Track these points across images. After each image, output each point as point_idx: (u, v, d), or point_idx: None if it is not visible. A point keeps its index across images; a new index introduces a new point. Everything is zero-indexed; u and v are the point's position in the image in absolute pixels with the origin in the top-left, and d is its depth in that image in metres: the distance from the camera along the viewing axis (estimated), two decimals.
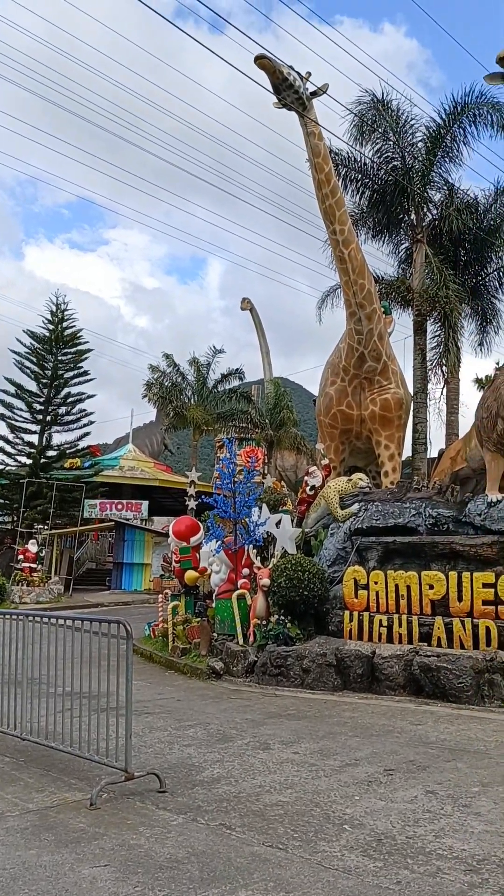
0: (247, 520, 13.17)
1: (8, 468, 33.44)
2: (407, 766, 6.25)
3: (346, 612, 11.09)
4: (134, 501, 35.35)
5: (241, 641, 11.85)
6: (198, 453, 36.21)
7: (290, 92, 11.98)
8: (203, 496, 14.69)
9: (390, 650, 9.97)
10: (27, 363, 33.68)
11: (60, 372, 34.15)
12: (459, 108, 20.05)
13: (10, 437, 33.67)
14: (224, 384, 34.30)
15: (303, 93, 12.18)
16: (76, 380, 34.55)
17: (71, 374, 34.46)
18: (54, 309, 34.62)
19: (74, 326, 34.87)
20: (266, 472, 28.65)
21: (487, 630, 9.64)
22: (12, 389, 33.21)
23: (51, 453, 33.99)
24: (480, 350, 24.28)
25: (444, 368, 22.68)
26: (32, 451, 33.34)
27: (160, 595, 16.55)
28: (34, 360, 33.75)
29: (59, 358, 34.22)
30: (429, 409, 21.91)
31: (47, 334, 34.17)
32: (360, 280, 13.74)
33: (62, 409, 34.45)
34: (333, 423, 15.14)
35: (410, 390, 17.79)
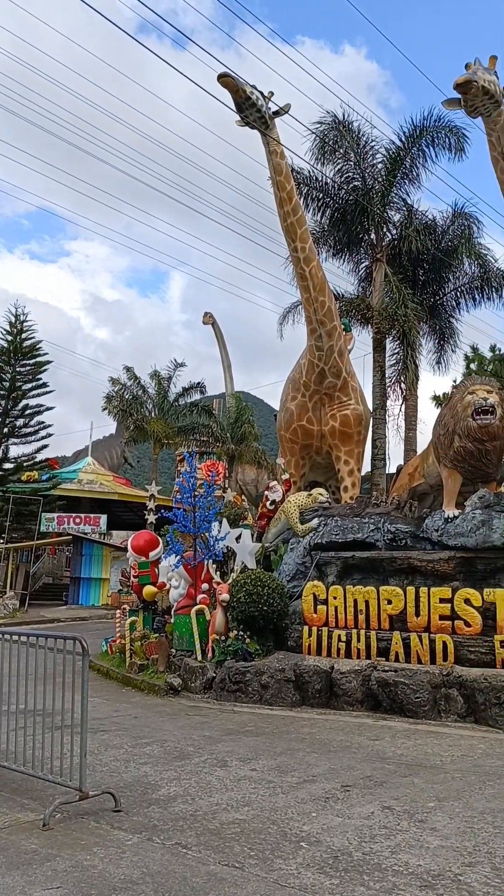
0: (206, 534, 13.13)
1: None
2: (364, 781, 6.26)
3: (306, 628, 11.10)
4: (92, 515, 34.96)
5: (199, 657, 11.77)
6: (158, 467, 36.01)
7: (252, 111, 12.10)
8: (163, 510, 14.61)
9: (349, 665, 10.00)
10: None
11: (18, 383, 33.70)
12: (418, 131, 20.49)
13: None
14: (185, 398, 34.21)
15: (265, 112, 12.31)
16: (34, 391, 34.12)
17: (29, 385, 34.03)
18: (13, 319, 34.21)
19: (34, 337, 34.50)
20: (227, 486, 28.62)
21: (444, 645, 9.73)
22: None
23: (7, 466, 33.46)
24: (438, 368, 24.73)
25: (403, 385, 22.99)
26: None
27: (118, 610, 16.37)
28: None
29: (18, 369, 33.78)
30: (388, 426, 22.17)
31: (5, 345, 33.71)
32: (320, 297, 13.88)
33: (20, 421, 33.97)
34: (294, 438, 15.22)
35: (370, 406, 17.98)
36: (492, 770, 6.65)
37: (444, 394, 29.19)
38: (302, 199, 19.82)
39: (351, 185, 21.34)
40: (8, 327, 34.05)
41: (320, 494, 12.75)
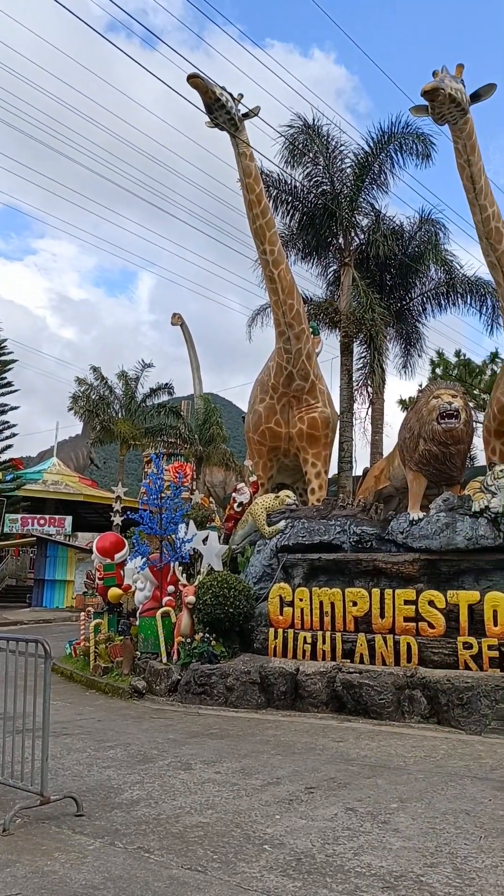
0: (173, 536, 13.07)
1: None
2: (328, 783, 6.27)
3: (272, 630, 11.10)
4: (57, 516, 34.60)
5: (164, 660, 11.71)
6: (125, 468, 35.76)
7: (222, 112, 12.09)
8: (129, 512, 14.51)
9: (314, 667, 10.03)
10: None
11: None
12: (386, 137, 20.68)
13: None
14: (153, 399, 34.01)
15: (235, 114, 12.30)
16: None
17: None
18: None
19: None
20: (194, 488, 28.53)
21: (408, 646, 9.81)
22: None
23: None
24: (405, 372, 25.00)
25: (370, 389, 23.16)
26: None
27: (83, 613, 16.21)
28: None
29: None
30: (354, 429, 22.31)
31: None
32: (289, 300, 13.91)
33: None
34: (262, 441, 15.22)
35: (337, 410, 18.07)
36: (454, 771, 6.71)
37: (410, 398, 29.47)
38: (271, 202, 19.88)
39: (320, 189, 21.46)
40: None
41: (287, 496, 12.78)
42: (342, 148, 21.30)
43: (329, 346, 22.70)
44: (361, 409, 23.34)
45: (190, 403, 37.13)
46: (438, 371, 30.44)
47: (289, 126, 20.88)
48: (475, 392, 27.97)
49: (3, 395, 33.86)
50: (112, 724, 9.30)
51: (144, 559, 13.20)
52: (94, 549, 15.71)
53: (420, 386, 25.80)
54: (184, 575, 13.10)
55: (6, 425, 33.93)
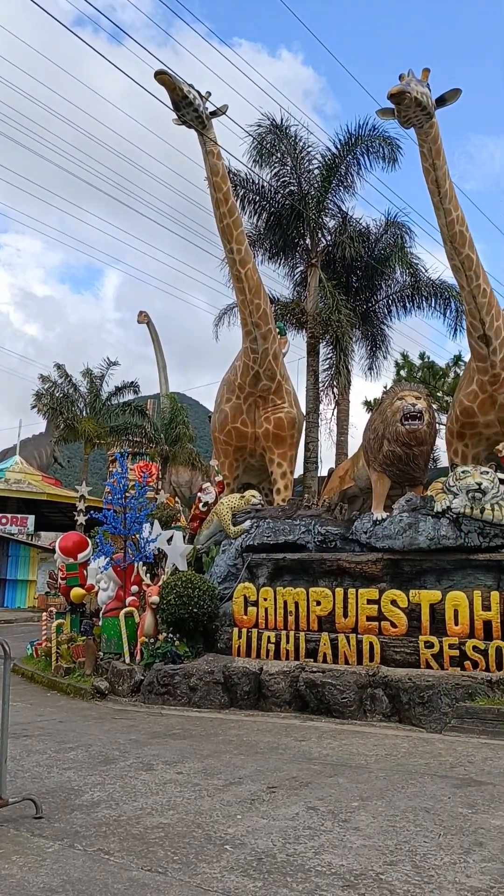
0: (137, 536, 12.98)
1: None
2: (290, 782, 6.28)
3: (236, 629, 11.09)
4: (20, 515, 34.15)
5: (127, 660, 11.62)
6: (89, 467, 35.46)
7: (189, 110, 12.04)
8: (92, 511, 14.38)
9: (277, 667, 10.04)
10: None
11: None
12: (353, 140, 20.82)
13: None
14: (118, 397, 33.79)
15: (202, 111, 12.26)
16: None
17: None
18: None
19: None
20: (160, 487, 28.40)
21: (371, 645, 9.89)
22: None
23: None
24: (370, 374, 25.15)
25: (336, 390, 23.29)
26: None
27: (44, 613, 16.02)
28: None
29: None
30: (320, 429, 22.42)
31: None
32: (255, 300, 13.92)
33: None
34: (228, 440, 15.21)
35: (303, 410, 18.14)
36: (414, 769, 6.77)
37: (374, 399, 29.74)
38: (238, 202, 19.86)
39: (287, 190, 21.52)
40: None
41: (253, 496, 12.79)
42: (310, 149, 21.43)
43: (295, 346, 22.79)
44: (327, 410, 23.49)
45: (156, 402, 36.96)
46: (403, 373, 30.79)
47: (257, 126, 20.93)
48: (439, 394, 28.34)
49: None
50: (73, 725, 9.21)
51: (108, 559, 13.09)
52: (57, 549, 15.53)
53: (385, 387, 26.02)
54: (147, 575, 13.03)
55: None
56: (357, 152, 21.00)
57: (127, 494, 13.23)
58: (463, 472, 10.39)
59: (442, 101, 10.75)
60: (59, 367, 34.08)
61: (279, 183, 21.59)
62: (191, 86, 11.97)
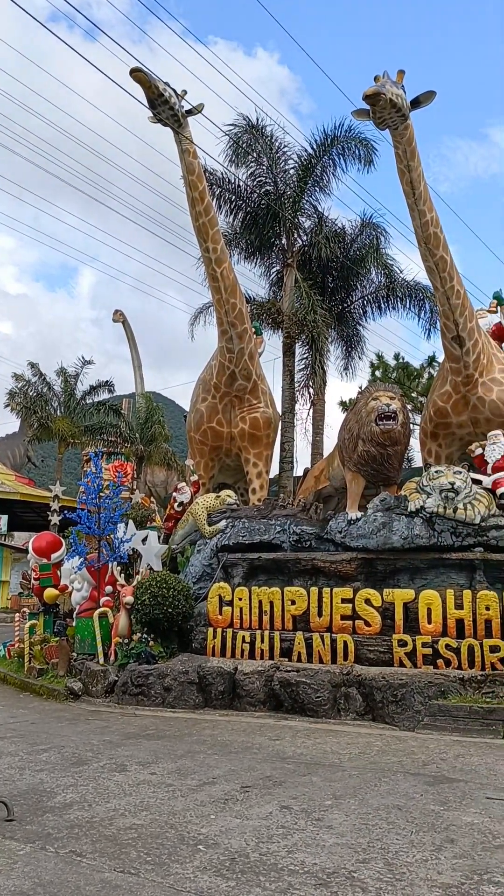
0: (111, 536, 12.91)
1: None
2: (263, 782, 6.28)
3: (210, 629, 11.08)
4: None
5: (101, 661, 11.55)
6: (63, 467, 35.19)
7: (165, 108, 11.98)
8: (66, 511, 14.28)
9: (252, 666, 10.05)
10: None
11: None
12: (329, 140, 20.87)
13: None
14: (93, 396, 33.57)
15: (178, 110, 12.21)
16: None
17: None
18: None
19: None
20: (135, 487, 28.26)
21: (345, 644, 9.93)
22: None
23: None
24: (346, 374, 25.23)
25: (311, 390, 23.32)
26: None
27: (17, 614, 15.87)
28: None
29: None
30: (296, 429, 22.44)
31: None
32: (231, 299, 13.90)
33: None
34: (203, 440, 15.17)
35: (279, 410, 18.16)
36: (387, 766, 6.81)
37: (350, 399, 29.84)
38: (214, 201, 19.84)
39: (263, 190, 21.51)
40: None
41: (228, 496, 12.78)
42: (286, 149, 21.43)
43: (271, 346, 22.90)
44: (303, 410, 23.52)
45: (131, 401, 36.79)
46: (378, 373, 30.93)
47: (233, 125, 20.89)
48: (413, 395, 28.52)
49: None
50: (46, 726, 9.13)
51: (82, 559, 13.01)
52: (31, 549, 15.42)
53: (360, 388, 26.13)
54: (122, 575, 12.96)
55: None
56: (333, 153, 21.05)
57: (101, 494, 13.16)
58: (436, 471, 10.47)
59: (416, 103, 10.80)
60: (32, 365, 33.80)
61: (255, 182, 21.58)
62: (166, 84, 11.92)
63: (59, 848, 4.79)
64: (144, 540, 12.93)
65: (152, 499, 23.19)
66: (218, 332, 14.47)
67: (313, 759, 7.12)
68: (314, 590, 10.50)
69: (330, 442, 27.26)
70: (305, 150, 21.30)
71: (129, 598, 11.49)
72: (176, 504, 13.93)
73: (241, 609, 10.99)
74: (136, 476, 31.29)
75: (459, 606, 9.59)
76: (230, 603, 11.11)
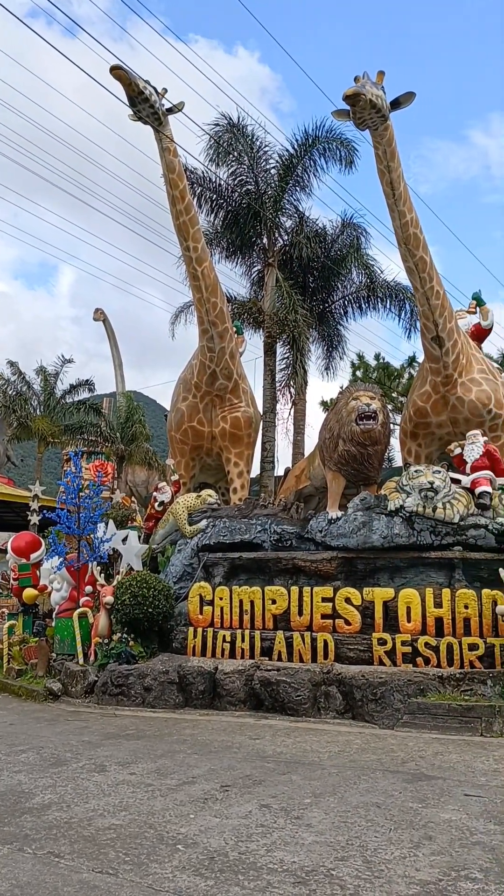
0: (91, 536, 12.85)
1: None
2: (243, 781, 6.28)
3: (191, 629, 11.06)
4: None
5: (81, 661, 11.49)
6: (43, 466, 34.96)
7: (145, 106, 11.94)
8: (45, 511, 14.19)
9: (232, 665, 10.04)
10: None
11: None
12: (310, 140, 20.90)
13: None
14: (73, 395, 33.34)
15: (158, 108, 12.17)
16: None
17: None
18: None
19: None
20: (116, 487, 28.14)
21: (325, 643, 9.96)
22: None
23: None
24: (327, 374, 25.30)
25: (292, 390, 23.38)
26: None
27: None
28: None
29: None
30: (277, 429, 22.47)
31: None
32: (212, 298, 13.88)
33: None
34: (184, 439, 15.15)
35: (260, 409, 18.16)
36: (366, 764, 6.84)
37: (331, 399, 29.93)
38: (195, 200, 19.81)
39: (244, 189, 21.51)
40: None
41: (209, 496, 12.76)
42: (267, 148, 21.44)
43: (253, 346, 22.83)
44: (284, 410, 23.57)
45: (112, 401, 36.62)
46: (359, 373, 31.07)
47: (214, 124, 20.86)
48: (393, 395, 28.68)
49: None
50: (25, 727, 9.07)
51: (61, 559, 12.93)
52: (9, 549, 15.29)
53: (341, 388, 26.22)
54: (102, 575, 12.90)
55: None
56: (314, 153, 21.09)
57: (81, 494, 13.09)
58: (416, 471, 10.53)
59: (397, 104, 10.85)
60: (11, 364, 33.52)
61: (236, 182, 21.57)
62: (147, 82, 11.88)
63: (37, 849, 4.76)
64: (125, 540, 12.87)
65: (133, 498, 23.10)
66: (199, 331, 14.45)
67: (293, 758, 7.13)
68: (295, 589, 10.52)
69: (311, 441, 27.27)
70: (286, 150, 21.33)
71: (110, 598, 11.43)
72: (156, 504, 13.89)
73: (221, 608, 10.98)
74: (116, 476, 31.19)
75: (439, 605, 9.65)
76: (211, 602, 11.10)
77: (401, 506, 10.29)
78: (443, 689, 8.83)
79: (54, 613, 13.01)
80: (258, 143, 21.23)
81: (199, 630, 10.97)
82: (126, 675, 10.36)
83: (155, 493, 14.22)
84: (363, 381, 27.96)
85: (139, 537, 13.46)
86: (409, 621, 9.69)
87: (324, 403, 32.24)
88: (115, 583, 11.94)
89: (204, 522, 12.07)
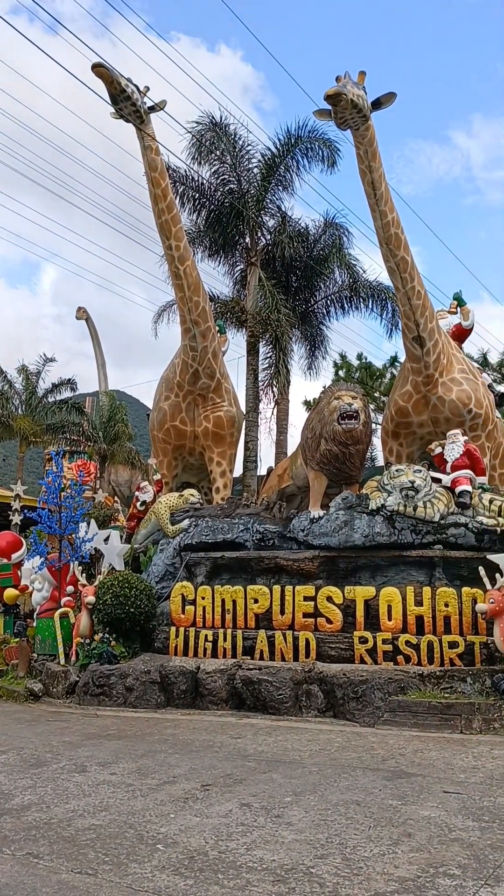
0: (73, 535, 12.80)
1: None
2: (224, 780, 6.29)
3: (173, 628, 11.05)
4: None
5: (62, 661, 11.45)
6: (25, 466, 34.72)
7: (127, 104, 11.91)
8: (27, 511, 14.11)
9: (214, 665, 10.04)
10: None
11: None
12: (293, 140, 20.94)
13: None
14: (55, 394, 33.12)
15: (140, 106, 12.15)
16: None
17: None
18: None
19: None
20: (98, 486, 28.02)
21: (307, 642, 9.98)
22: None
23: None
24: (309, 373, 25.35)
25: (275, 389, 23.39)
26: None
27: None
28: None
29: None
30: (260, 428, 22.49)
31: None
32: (195, 297, 13.86)
33: None
34: (166, 439, 15.12)
35: (242, 409, 18.16)
36: (347, 762, 6.87)
37: (314, 399, 29.98)
38: (178, 198, 19.79)
39: (227, 188, 21.52)
40: None
41: (192, 495, 12.75)
42: (249, 147, 21.48)
43: (235, 345, 22.84)
44: (267, 409, 23.59)
45: (94, 400, 36.44)
46: (341, 373, 31.15)
47: (196, 122, 20.86)
48: (375, 394, 28.80)
49: None
50: (5, 728, 9.02)
51: (42, 559, 12.87)
52: None
53: (324, 387, 26.29)
54: (83, 575, 12.85)
55: None
56: (296, 153, 21.14)
57: (63, 493, 13.03)
58: (397, 470, 10.58)
59: (378, 105, 10.90)
60: None
61: (219, 180, 21.57)
62: (129, 80, 11.85)
63: (16, 850, 4.73)
64: (107, 539, 12.84)
65: (116, 498, 23.01)
66: (181, 330, 14.43)
67: (274, 757, 7.14)
68: (277, 588, 10.53)
69: (293, 441, 27.34)
70: (269, 150, 21.38)
71: (91, 598, 11.39)
72: (139, 503, 13.85)
73: (203, 608, 10.98)
74: (99, 475, 31.05)
75: (419, 603, 9.71)
76: (193, 602, 11.09)
77: (382, 505, 10.34)
78: (423, 687, 8.88)
79: (35, 614, 12.95)
80: (241, 142, 21.28)
81: (182, 630, 10.95)
82: (108, 676, 10.33)
83: (137, 493, 14.18)
84: (345, 380, 28.04)
85: (121, 537, 13.42)
86: (389, 620, 9.73)
87: (306, 403, 32.29)
88: (96, 583, 11.90)
89: (186, 522, 12.05)
